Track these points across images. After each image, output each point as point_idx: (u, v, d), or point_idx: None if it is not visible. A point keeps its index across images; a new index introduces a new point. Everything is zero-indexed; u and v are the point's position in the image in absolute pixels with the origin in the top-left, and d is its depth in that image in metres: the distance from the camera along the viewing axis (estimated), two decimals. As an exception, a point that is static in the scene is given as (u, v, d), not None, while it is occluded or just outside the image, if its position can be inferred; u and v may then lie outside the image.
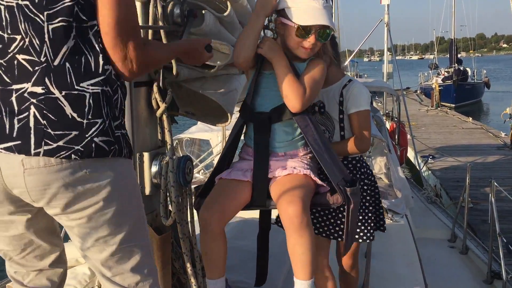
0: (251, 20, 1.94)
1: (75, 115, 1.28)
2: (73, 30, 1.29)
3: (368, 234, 2.13)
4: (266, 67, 1.96)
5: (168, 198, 1.94)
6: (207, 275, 1.94)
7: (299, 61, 1.94)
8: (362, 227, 2.12)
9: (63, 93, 1.27)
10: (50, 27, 1.27)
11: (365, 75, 25.30)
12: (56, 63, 1.28)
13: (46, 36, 1.27)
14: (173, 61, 1.92)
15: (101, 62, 1.33)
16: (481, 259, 4.67)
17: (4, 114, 1.27)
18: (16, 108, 1.26)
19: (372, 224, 2.14)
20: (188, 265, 1.96)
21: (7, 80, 1.28)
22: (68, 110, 1.28)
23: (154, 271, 1.59)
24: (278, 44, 1.93)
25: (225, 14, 1.98)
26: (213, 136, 5.52)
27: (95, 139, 1.31)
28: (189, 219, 2.04)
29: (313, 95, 1.90)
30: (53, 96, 1.27)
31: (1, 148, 1.26)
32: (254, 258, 2.74)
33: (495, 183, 4.51)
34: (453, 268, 4.59)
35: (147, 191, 1.91)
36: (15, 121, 1.26)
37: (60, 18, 1.27)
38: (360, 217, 2.10)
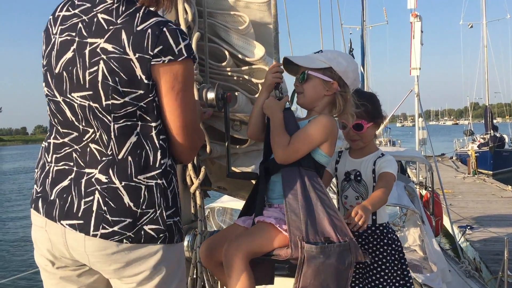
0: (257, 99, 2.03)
1: (131, 204, 1.41)
2: (137, 128, 1.44)
3: None
4: None
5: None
6: None
7: (304, 119, 2.00)
8: None
9: (123, 183, 1.41)
10: (116, 126, 1.42)
11: (399, 141, 25.10)
12: (120, 156, 1.42)
13: (112, 133, 1.42)
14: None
15: (159, 157, 1.46)
16: None
17: (74, 193, 1.42)
18: (83, 190, 1.42)
19: None
20: None
21: (82, 163, 1.44)
22: (126, 199, 1.41)
23: None
24: (277, 103, 1.96)
25: (257, 95, 2.09)
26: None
27: (145, 227, 1.42)
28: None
29: (300, 148, 1.88)
30: (114, 186, 1.41)
31: (67, 224, 1.41)
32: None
33: None
34: None
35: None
36: (82, 203, 1.41)
37: (124, 119, 1.42)
38: (388, 281, 2.11)
